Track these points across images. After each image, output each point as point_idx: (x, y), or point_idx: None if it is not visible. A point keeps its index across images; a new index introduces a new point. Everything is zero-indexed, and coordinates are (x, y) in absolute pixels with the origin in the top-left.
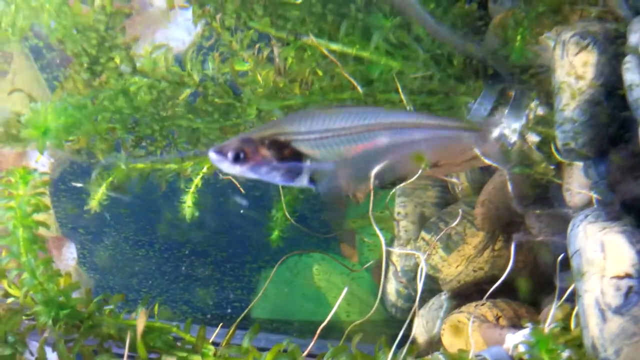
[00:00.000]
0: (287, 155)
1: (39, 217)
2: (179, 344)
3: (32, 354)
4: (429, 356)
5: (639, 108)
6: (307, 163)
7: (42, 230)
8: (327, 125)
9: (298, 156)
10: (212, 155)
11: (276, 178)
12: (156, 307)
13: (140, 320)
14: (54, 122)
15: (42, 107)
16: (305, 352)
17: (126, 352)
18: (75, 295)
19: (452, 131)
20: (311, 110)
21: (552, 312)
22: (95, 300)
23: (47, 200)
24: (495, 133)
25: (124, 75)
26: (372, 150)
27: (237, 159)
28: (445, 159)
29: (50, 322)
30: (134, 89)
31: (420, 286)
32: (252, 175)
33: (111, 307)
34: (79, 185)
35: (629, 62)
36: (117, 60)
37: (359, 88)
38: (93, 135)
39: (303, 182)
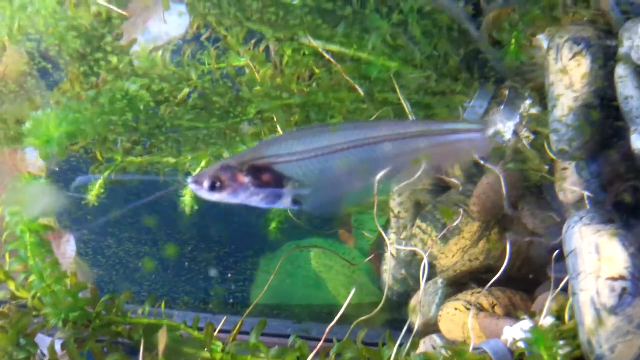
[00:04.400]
0: (268, 179)
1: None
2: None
3: (42, 353)
4: (428, 347)
5: (633, 118)
6: (288, 187)
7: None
8: (309, 146)
9: (279, 179)
10: (191, 185)
11: (258, 203)
12: (162, 305)
13: (162, 339)
14: (56, 131)
15: (44, 115)
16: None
17: (141, 356)
18: (81, 294)
19: (447, 136)
20: (292, 131)
21: (548, 305)
22: (102, 301)
23: None
24: (491, 131)
25: (123, 77)
26: (359, 168)
27: (213, 188)
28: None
29: (60, 323)
30: (133, 90)
31: (423, 283)
32: (232, 201)
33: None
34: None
35: (622, 73)
36: (115, 61)
37: (359, 89)
38: (93, 137)
39: (286, 204)
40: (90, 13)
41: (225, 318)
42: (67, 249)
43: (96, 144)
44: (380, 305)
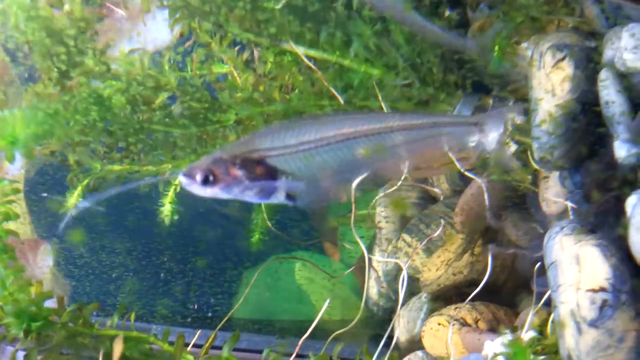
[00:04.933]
0: (261, 172)
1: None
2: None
3: None
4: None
5: (614, 124)
6: (282, 180)
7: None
8: (302, 138)
9: (273, 172)
10: (182, 178)
11: (251, 197)
12: (132, 316)
13: (117, 348)
14: (22, 131)
15: (10, 115)
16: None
17: None
18: (48, 303)
19: (445, 128)
20: (285, 123)
21: (530, 319)
22: (69, 310)
23: (21, 201)
24: (495, 126)
25: (97, 79)
26: (352, 159)
27: (206, 181)
28: (426, 162)
29: (21, 334)
30: (108, 92)
31: (402, 296)
32: (225, 196)
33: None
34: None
35: (604, 77)
36: (90, 63)
37: (338, 97)
38: (65, 140)
39: (280, 198)
40: (64, 11)
41: (199, 332)
42: (44, 258)
43: (69, 148)
44: (357, 318)
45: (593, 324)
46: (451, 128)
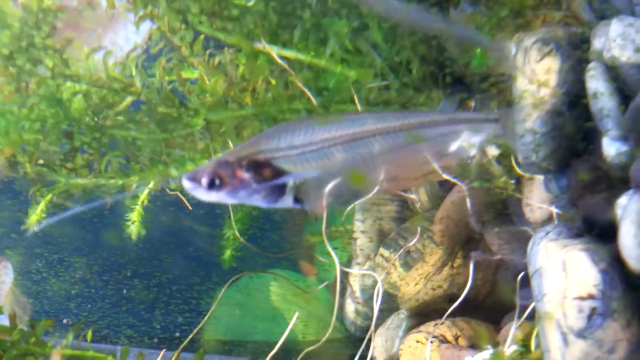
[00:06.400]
0: (268, 175)
1: None
2: None
3: None
4: None
5: (603, 118)
6: (290, 182)
7: None
8: (310, 137)
9: (280, 175)
10: (185, 182)
11: (258, 201)
12: (89, 334)
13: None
14: None
15: None
16: None
17: None
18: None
19: (461, 125)
20: (292, 122)
21: (512, 332)
22: (20, 328)
23: None
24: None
25: (56, 80)
26: (364, 159)
27: (212, 185)
28: (404, 174)
29: None
30: (67, 95)
31: (376, 309)
32: (231, 200)
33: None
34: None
35: (593, 68)
36: (50, 63)
37: (312, 98)
38: (20, 146)
39: (288, 202)
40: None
41: (163, 351)
42: (4, 275)
43: (24, 154)
44: (327, 335)
45: (581, 334)
46: (470, 125)
